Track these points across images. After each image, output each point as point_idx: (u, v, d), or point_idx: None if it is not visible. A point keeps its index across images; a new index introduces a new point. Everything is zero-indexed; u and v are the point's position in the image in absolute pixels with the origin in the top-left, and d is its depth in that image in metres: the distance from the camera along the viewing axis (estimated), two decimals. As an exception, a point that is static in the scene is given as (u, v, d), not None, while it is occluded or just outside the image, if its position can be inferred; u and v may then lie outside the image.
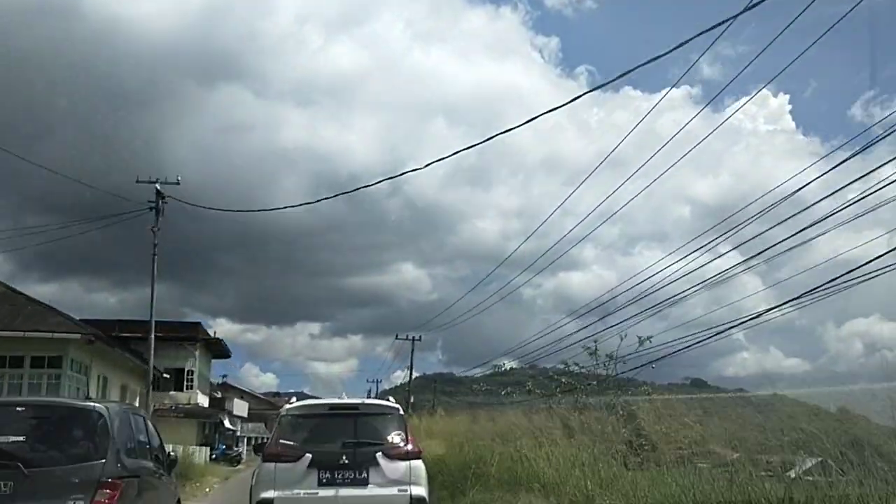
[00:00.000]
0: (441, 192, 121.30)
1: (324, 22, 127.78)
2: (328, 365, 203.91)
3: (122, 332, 36.86)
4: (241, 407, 51.89)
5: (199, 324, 40.47)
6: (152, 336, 23.92)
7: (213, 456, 38.85)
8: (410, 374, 56.38)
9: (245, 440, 52.59)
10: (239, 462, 40.62)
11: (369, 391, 63.45)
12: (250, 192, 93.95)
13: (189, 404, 38.81)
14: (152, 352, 23.41)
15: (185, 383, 39.41)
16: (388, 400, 10.17)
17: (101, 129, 67.14)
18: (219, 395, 51.09)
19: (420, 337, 52.18)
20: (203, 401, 41.54)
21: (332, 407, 9.38)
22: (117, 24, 75.86)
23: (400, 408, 9.46)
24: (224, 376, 65.03)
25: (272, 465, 8.50)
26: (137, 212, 22.90)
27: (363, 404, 9.81)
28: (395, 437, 8.80)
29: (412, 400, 51.57)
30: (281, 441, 8.72)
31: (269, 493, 8.30)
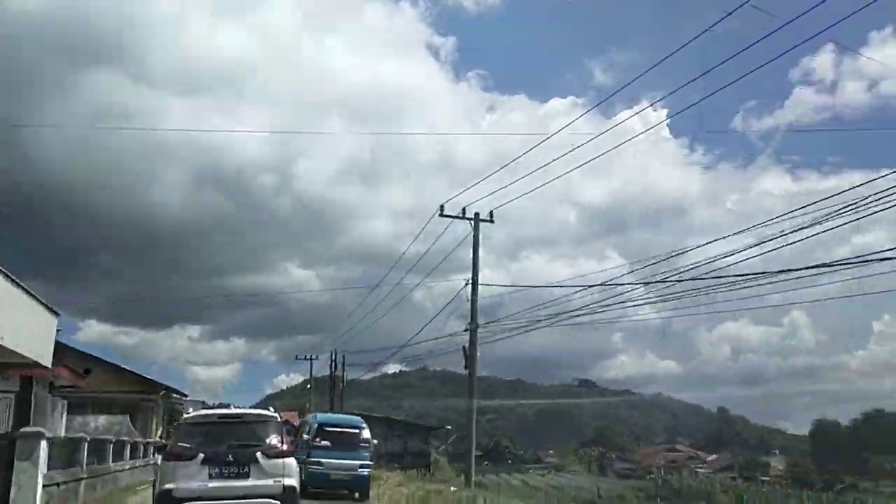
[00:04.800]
0: (331, 189, 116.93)
1: (210, 5, 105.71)
2: (209, 369, 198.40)
3: None
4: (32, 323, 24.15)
5: None
6: None
7: None
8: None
9: (82, 447, 14.83)
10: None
11: (310, 368, 65.37)
12: (127, 185, 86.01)
13: None
14: None
15: None
16: (268, 409, 12.50)
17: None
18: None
19: (317, 356, 52.50)
20: None
21: (222, 416, 11.85)
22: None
23: (278, 416, 12.03)
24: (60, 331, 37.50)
25: (172, 462, 10.81)
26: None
27: (247, 413, 12.05)
28: (272, 440, 11.10)
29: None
30: (179, 444, 11.03)
31: (170, 485, 10.47)
